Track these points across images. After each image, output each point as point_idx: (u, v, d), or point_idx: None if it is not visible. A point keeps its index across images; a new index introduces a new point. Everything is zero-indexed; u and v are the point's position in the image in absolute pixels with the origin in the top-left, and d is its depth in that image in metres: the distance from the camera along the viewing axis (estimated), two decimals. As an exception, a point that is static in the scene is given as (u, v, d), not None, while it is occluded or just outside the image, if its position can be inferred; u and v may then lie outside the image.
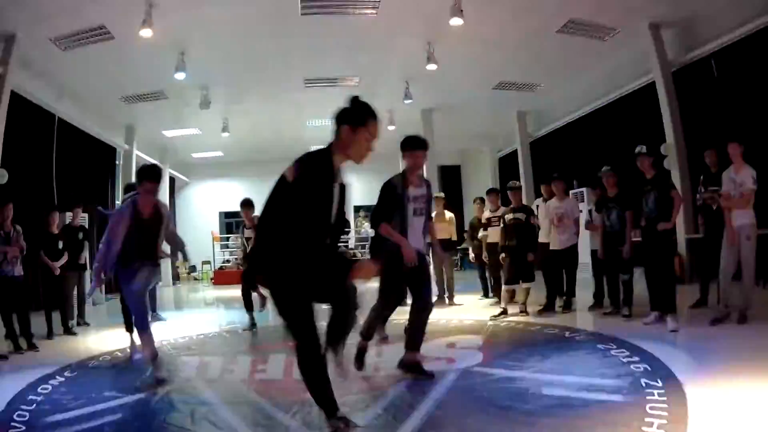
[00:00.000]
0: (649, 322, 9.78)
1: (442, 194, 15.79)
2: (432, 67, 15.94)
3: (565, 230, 12.26)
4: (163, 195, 26.89)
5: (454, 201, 29.14)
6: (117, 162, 23.77)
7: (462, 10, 12.72)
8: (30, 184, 16.04)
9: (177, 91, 18.63)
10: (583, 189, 16.42)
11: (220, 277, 27.53)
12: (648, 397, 5.65)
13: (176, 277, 29.31)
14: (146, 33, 13.08)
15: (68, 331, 12.36)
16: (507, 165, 26.13)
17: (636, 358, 7.30)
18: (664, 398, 5.58)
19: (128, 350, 10.02)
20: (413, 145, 7.72)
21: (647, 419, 5.03)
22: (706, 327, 9.25)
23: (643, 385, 6.11)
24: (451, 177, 31.56)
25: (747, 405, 5.18)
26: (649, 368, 6.78)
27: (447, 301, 14.67)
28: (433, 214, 14.30)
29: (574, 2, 13.69)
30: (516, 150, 24.06)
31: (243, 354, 9.76)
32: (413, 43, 15.66)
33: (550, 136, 22.71)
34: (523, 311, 11.91)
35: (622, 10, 14.00)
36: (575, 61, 17.31)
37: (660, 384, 6.05)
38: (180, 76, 15.97)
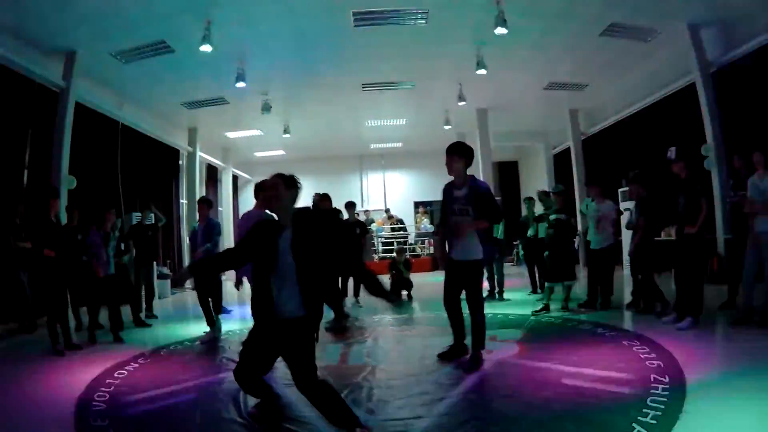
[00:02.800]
0: (668, 321, 10.13)
1: (497, 197, 16.21)
2: (482, 71, 16.20)
3: (603, 231, 12.59)
4: (226, 193, 27.57)
5: (512, 195, 29.55)
6: (180, 162, 24.39)
7: (505, 20, 13.06)
8: (97, 188, 16.73)
9: (238, 96, 19.14)
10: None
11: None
12: (652, 392, 6.21)
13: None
14: (206, 48, 13.65)
15: (140, 323, 13.14)
16: (561, 161, 26.27)
17: (653, 355, 7.79)
18: (666, 393, 6.13)
19: (201, 340, 10.96)
20: (446, 151, 8.28)
21: (644, 410, 5.64)
22: (728, 328, 9.64)
23: (652, 380, 6.63)
24: (508, 172, 31.95)
25: (742, 411, 5.56)
26: (662, 365, 7.28)
27: (497, 296, 15.10)
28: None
29: (613, 6, 13.88)
30: (569, 147, 24.23)
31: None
32: (463, 49, 15.99)
33: (601, 134, 22.78)
34: (564, 308, 12.34)
35: (661, 11, 14.13)
36: (620, 62, 17.50)
37: (666, 380, 6.57)
38: (241, 85, 16.49)
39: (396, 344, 10.23)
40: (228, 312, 14.65)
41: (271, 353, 5.67)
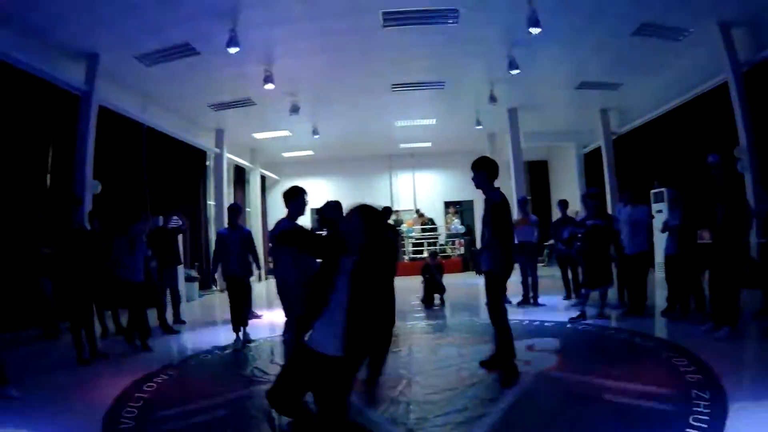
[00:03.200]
0: (705, 330, 9.89)
1: (528, 197, 16.04)
2: (515, 71, 16.00)
3: (636, 236, 12.42)
4: (254, 194, 27.48)
5: (541, 196, 29.30)
6: (207, 163, 24.33)
7: (539, 19, 12.82)
8: (123, 192, 16.69)
9: (265, 98, 18.93)
10: (663, 189, 16.41)
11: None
12: (694, 409, 6.04)
13: (269, 271, 29.79)
14: (233, 50, 13.48)
15: (167, 329, 13.05)
16: (592, 160, 25.87)
17: (692, 368, 7.62)
18: (708, 411, 5.95)
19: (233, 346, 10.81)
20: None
21: (687, 430, 5.49)
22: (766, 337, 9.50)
23: (693, 396, 6.46)
24: (538, 172, 31.63)
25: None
26: (702, 379, 7.10)
27: (531, 301, 14.85)
28: (518, 217, 14.65)
29: (644, 6, 13.60)
30: (600, 146, 23.87)
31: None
32: (495, 49, 15.78)
33: (632, 134, 22.43)
34: (600, 314, 12.11)
35: (692, 10, 13.87)
36: (652, 62, 17.20)
37: (707, 397, 6.40)
38: (269, 86, 16.35)
39: (431, 354, 9.95)
40: (258, 317, 14.52)
41: (309, 382, 5.03)
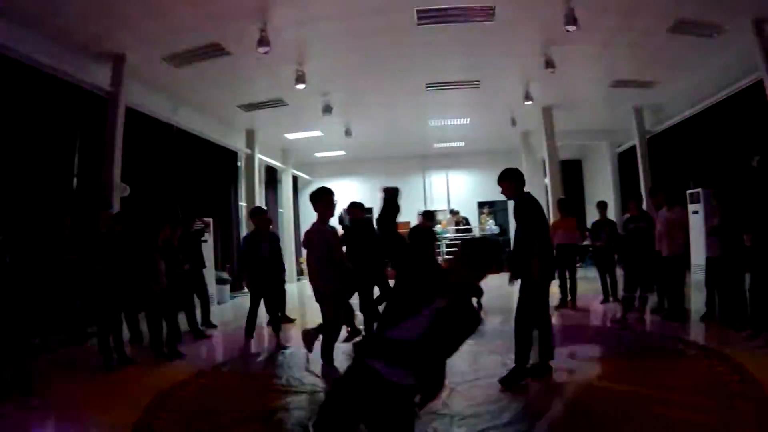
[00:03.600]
0: (746, 336, 9.72)
1: (565, 198, 15.85)
2: (551, 71, 15.72)
3: (673, 239, 12.10)
4: (286, 194, 27.40)
5: (575, 195, 29.00)
6: (239, 164, 24.30)
7: (576, 18, 12.64)
8: (151, 194, 16.62)
9: (297, 98, 18.77)
10: (699, 189, 16.11)
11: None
12: (739, 419, 5.94)
13: (300, 273, 29.69)
14: (263, 50, 13.29)
15: (199, 334, 12.91)
16: (626, 160, 25.65)
17: (736, 377, 7.48)
18: (754, 422, 5.83)
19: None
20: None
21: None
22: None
23: (739, 407, 6.32)
24: (572, 171, 31.30)
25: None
26: (746, 391, 6.92)
27: (569, 304, 14.65)
28: (556, 219, 14.47)
29: (680, 2, 13.29)
30: (635, 145, 23.54)
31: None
32: (530, 47, 15.54)
33: (667, 133, 22.12)
34: (641, 319, 11.94)
35: (726, 7, 13.52)
36: (687, 59, 16.85)
37: (753, 408, 6.27)
38: (300, 86, 16.14)
39: (472, 362, 9.69)
40: (290, 321, 14.35)
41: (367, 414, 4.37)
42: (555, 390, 7.46)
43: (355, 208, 12.38)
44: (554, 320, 12.28)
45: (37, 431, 6.93)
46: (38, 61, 12.61)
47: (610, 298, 14.81)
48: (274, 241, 12.14)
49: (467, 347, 10.52)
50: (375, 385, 4.24)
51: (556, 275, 14.98)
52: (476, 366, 9.37)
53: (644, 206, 13.29)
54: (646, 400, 6.82)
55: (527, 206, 8.28)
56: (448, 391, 7.68)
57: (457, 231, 30.03)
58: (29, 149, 12.79)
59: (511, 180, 8.40)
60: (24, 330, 9.80)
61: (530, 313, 8.20)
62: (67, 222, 12.46)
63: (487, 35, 14.69)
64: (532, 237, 8.03)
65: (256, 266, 11.70)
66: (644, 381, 7.60)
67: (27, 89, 12.76)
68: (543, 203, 15.85)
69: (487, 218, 30.65)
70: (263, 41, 13.14)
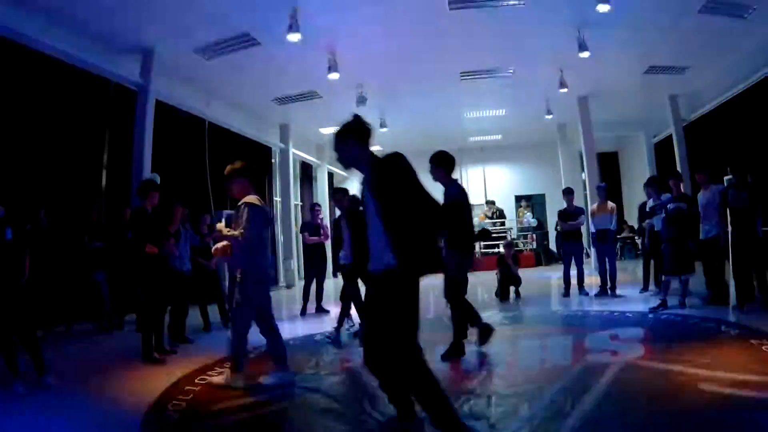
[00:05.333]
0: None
1: (604, 184, 15.64)
2: (584, 54, 15.53)
3: (708, 220, 11.89)
4: (322, 191, 27.40)
5: (612, 188, 28.76)
6: (273, 160, 24.30)
7: (608, -5, 12.47)
8: (185, 188, 16.41)
9: (331, 90, 18.71)
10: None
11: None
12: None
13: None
14: (294, 37, 13.28)
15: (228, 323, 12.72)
16: (663, 151, 25.43)
17: None
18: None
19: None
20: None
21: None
22: None
23: None
24: (608, 164, 31.04)
25: None
26: None
27: (609, 292, 14.37)
28: (595, 205, 14.27)
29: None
30: (671, 135, 23.31)
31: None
32: (564, 31, 15.33)
33: (703, 120, 21.91)
34: (682, 303, 11.62)
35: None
36: (720, 42, 16.64)
37: None
38: (333, 76, 16.07)
39: (511, 346, 9.64)
40: (326, 312, 14.40)
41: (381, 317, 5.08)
42: (597, 370, 7.21)
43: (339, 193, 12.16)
44: (595, 307, 12.61)
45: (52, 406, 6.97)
46: (68, 54, 12.75)
47: (649, 287, 14.53)
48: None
49: (507, 332, 10.51)
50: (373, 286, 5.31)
51: (596, 262, 14.87)
52: (515, 349, 9.38)
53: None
54: (692, 377, 6.59)
55: (461, 206, 8.75)
56: (486, 373, 7.70)
57: (493, 224, 29.67)
58: (60, 142, 12.84)
59: (443, 165, 8.80)
60: (41, 315, 9.82)
61: (455, 294, 8.71)
62: (94, 210, 12.53)
63: (520, 19, 14.62)
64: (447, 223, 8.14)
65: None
66: (690, 361, 7.37)
67: (56, 83, 13.01)
68: (581, 197, 15.67)
69: (525, 211, 30.43)
70: (293, 28, 13.09)
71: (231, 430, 6.10)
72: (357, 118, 5.70)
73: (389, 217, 5.00)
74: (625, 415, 5.72)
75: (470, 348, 8.87)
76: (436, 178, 8.75)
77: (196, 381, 7.90)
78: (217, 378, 7.94)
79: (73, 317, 12.48)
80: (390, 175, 5.17)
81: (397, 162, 5.22)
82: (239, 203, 7.79)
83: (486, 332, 8.94)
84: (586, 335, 9.01)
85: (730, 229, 11.40)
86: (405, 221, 4.97)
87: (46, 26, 12.12)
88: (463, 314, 8.85)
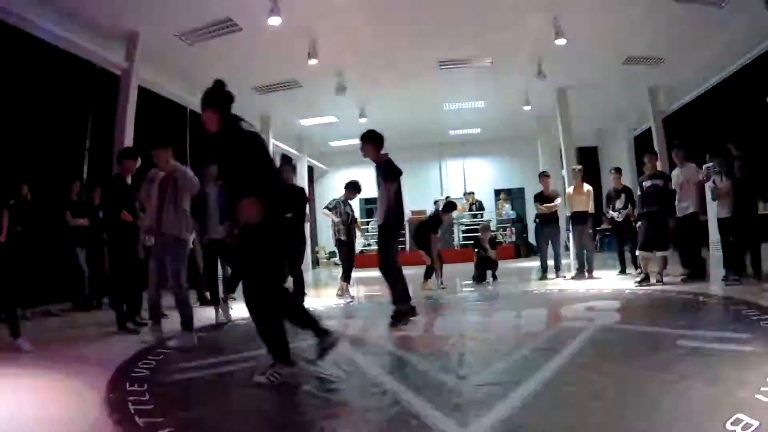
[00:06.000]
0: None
1: (579, 166, 15.65)
2: (561, 41, 15.57)
3: (685, 198, 12.00)
4: (302, 183, 27.41)
5: (592, 184, 28.82)
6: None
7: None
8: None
9: (310, 78, 18.75)
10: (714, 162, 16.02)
11: (361, 261, 27.41)
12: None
13: (316, 262, 29.71)
14: (275, 21, 13.27)
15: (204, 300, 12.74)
16: (642, 144, 25.28)
17: (766, 317, 7.20)
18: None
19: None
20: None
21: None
22: None
23: None
24: (588, 159, 31.06)
25: None
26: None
27: (586, 274, 14.38)
28: (571, 188, 14.28)
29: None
30: (650, 128, 23.40)
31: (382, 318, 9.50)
32: (540, 17, 15.36)
33: (681, 112, 22.03)
34: (659, 280, 11.67)
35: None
36: (696, 32, 16.66)
37: None
38: (313, 62, 16.07)
39: (485, 317, 9.67)
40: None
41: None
42: (573, 332, 7.17)
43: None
44: (572, 286, 12.62)
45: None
46: (53, 36, 12.67)
47: (626, 270, 14.61)
48: None
49: (482, 307, 10.53)
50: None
51: (573, 246, 14.95)
52: (490, 319, 9.46)
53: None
54: (670, 336, 6.61)
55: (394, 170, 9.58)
56: (459, 336, 7.72)
57: (473, 216, 29.81)
58: (43, 123, 12.83)
59: (372, 141, 9.46)
60: (22, 290, 9.78)
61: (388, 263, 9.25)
62: (74, 187, 12.53)
63: (497, 5, 14.74)
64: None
65: None
66: (667, 324, 7.50)
67: (41, 64, 12.98)
68: (561, 191, 15.81)
69: (504, 204, 30.43)
70: (274, 11, 13.08)
71: (193, 384, 6.08)
72: (219, 83, 6.49)
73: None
74: (601, 365, 5.70)
75: (443, 318, 9.04)
76: (366, 155, 9.50)
77: (169, 345, 7.88)
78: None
79: (52, 297, 12.53)
80: (234, 145, 6.09)
81: (248, 138, 6.16)
82: None
83: (403, 314, 9.04)
84: (561, 306, 9.12)
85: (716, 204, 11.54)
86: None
87: (32, 8, 11.97)
88: (391, 285, 9.21)
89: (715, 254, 13.81)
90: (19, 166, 12.42)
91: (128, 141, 14.28)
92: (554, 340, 6.96)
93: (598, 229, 22.72)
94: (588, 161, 29.59)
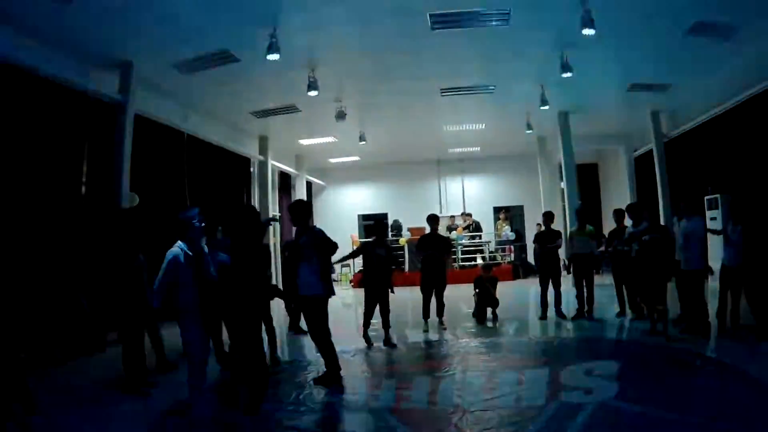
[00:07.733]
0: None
1: (581, 204, 15.66)
2: (567, 74, 15.42)
3: (689, 250, 11.84)
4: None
5: (591, 200, 28.82)
6: (251, 170, 24.20)
7: (593, 20, 12.36)
8: (163, 201, 16.41)
9: (310, 104, 18.68)
10: (717, 195, 15.85)
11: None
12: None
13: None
14: (273, 57, 13.18)
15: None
16: (643, 165, 25.29)
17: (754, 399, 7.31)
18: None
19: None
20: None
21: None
22: None
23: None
24: (588, 175, 31.01)
25: None
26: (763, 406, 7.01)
27: (585, 315, 14.41)
28: (573, 229, 14.22)
29: (699, 3, 13.04)
30: (651, 150, 23.26)
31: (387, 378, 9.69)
32: (546, 52, 15.30)
33: (684, 137, 21.80)
34: (661, 332, 11.58)
35: (744, 8, 13.19)
36: (704, 62, 16.61)
37: None
38: (313, 93, 15.94)
39: (488, 379, 9.47)
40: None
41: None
42: (570, 412, 7.17)
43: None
44: (574, 333, 12.69)
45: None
46: (45, 70, 12.50)
47: (626, 312, 14.45)
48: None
49: (483, 363, 10.46)
50: None
51: (574, 285, 14.88)
52: (491, 384, 9.17)
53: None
54: (662, 424, 6.64)
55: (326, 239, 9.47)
56: (462, 412, 7.55)
57: (471, 237, 29.61)
58: (37, 158, 12.70)
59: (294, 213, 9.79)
60: (21, 343, 9.60)
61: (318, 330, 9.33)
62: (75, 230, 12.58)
63: (502, 39, 14.60)
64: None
65: None
66: (660, 400, 7.50)
67: (34, 98, 12.66)
68: (559, 208, 15.69)
69: (504, 224, 30.26)
70: (273, 47, 13.01)
71: None
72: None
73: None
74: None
75: (446, 381, 8.97)
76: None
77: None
78: None
79: (55, 339, 12.13)
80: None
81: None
82: None
83: (329, 380, 9.22)
84: (561, 368, 9.11)
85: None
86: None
87: (24, 42, 11.97)
88: (322, 350, 9.37)
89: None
90: (15, 200, 12.15)
91: (126, 173, 14.25)
92: (557, 419, 6.98)
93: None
94: (587, 177, 29.64)
